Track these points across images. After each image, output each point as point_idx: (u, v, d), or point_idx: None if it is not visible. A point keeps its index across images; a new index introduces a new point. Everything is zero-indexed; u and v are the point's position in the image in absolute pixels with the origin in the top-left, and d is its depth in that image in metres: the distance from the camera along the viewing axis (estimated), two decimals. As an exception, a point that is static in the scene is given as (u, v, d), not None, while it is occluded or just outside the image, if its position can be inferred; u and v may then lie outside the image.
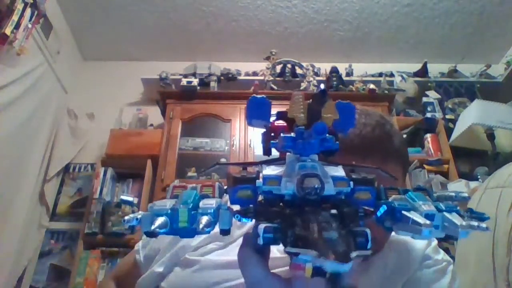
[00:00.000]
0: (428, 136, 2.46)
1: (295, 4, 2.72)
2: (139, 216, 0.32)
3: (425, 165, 2.28)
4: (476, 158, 2.35)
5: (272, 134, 0.35)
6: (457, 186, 2.04)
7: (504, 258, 0.86)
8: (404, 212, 0.31)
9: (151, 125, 2.72)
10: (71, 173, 2.63)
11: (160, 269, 0.66)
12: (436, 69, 3.00)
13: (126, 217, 0.33)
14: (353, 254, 0.26)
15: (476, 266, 0.94)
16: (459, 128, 2.36)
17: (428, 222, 0.29)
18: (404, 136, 2.48)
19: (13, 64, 2.12)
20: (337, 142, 0.33)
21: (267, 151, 0.35)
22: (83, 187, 2.57)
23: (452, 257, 0.71)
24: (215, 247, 0.63)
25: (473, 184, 2.01)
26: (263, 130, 0.36)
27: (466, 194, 0.34)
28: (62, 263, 2.34)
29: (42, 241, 2.39)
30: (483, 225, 0.30)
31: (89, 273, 2.13)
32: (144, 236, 0.80)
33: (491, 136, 2.24)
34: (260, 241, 0.29)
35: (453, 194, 0.34)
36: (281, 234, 0.29)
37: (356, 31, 2.91)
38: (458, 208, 0.32)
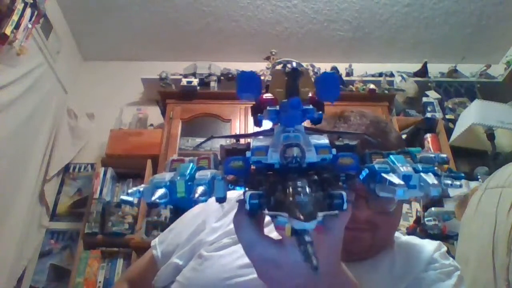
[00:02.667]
0: (428, 136, 2.46)
1: (295, 4, 2.72)
2: (141, 189, 0.35)
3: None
4: (476, 158, 2.35)
5: (261, 107, 0.37)
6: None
7: (504, 257, 0.86)
8: (383, 174, 0.33)
9: (151, 125, 2.72)
10: (71, 173, 2.63)
11: (180, 262, 0.68)
12: (436, 69, 3.00)
13: (129, 190, 0.36)
14: (320, 214, 0.29)
15: (476, 265, 0.94)
16: (459, 128, 2.36)
17: (402, 182, 0.32)
18: (404, 136, 2.48)
19: (13, 64, 2.12)
20: (321, 112, 0.35)
21: (257, 123, 0.37)
22: (83, 187, 2.57)
23: (452, 257, 0.72)
24: (229, 242, 0.64)
25: (473, 184, 2.01)
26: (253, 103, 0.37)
27: (444, 155, 0.38)
28: (62, 263, 2.34)
29: (42, 241, 2.39)
30: (457, 183, 0.34)
31: (89, 273, 2.13)
32: (161, 233, 0.81)
33: (491, 136, 2.24)
34: (247, 206, 0.32)
35: (433, 155, 0.37)
36: (265, 200, 0.32)
37: (356, 31, 2.91)
38: (435, 168, 0.35)
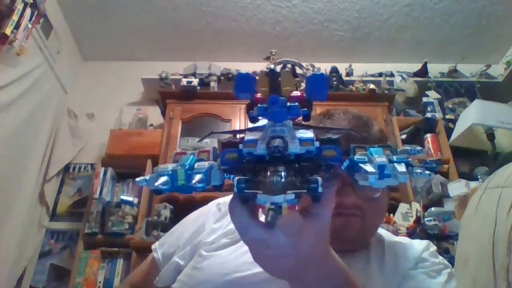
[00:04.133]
0: (428, 136, 2.46)
1: (295, 4, 2.72)
2: (147, 178, 0.39)
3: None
4: (476, 158, 2.35)
5: (255, 105, 0.40)
6: (457, 186, 2.04)
7: (504, 258, 0.86)
8: (360, 164, 0.37)
9: (151, 125, 2.72)
10: (71, 173, 2.63)
11: (181, 261, 0.70)
12: (436, 69, 3.00)
13: (137, 179, 0.40)
14: (289, 192, 0.34)
15: (476, 266, 0.94)
16: (459, 128, 2.36)
17: (374, 171, 0.36)
18: (404, 136, 2.49)
19: (13, 64, 2.12)
20: (306, 109, 0.39)
21: (251, 119, 0.40)
22: (83, 187, 2.56)
23: (452, 257, 0.72)
24: (228, 241, 0.66)
25: (473, 184, 2.01)
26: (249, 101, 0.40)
27: (419, 148, 0.42)
28: (62, 263, 2.34)
29: (42, 241, 2.39)
30: (427, 172, 0.37)
31: (89, 273, 2.13)
32: (161, 233, 0.83)
33: (491, 136, 2.24)
34: (235, 189, 0.36)
35: (409, 148, 0.41)
36: (250, 184, 0.36)
37: (356, 31, 2.91)
38: (409, 159, 0.38)
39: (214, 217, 0.75)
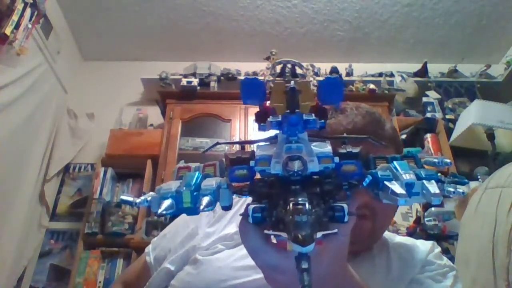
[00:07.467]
0: (428, 136, 2.46)
1: (295, 4, 2.72)
2: (149, 198, 0.36)
3: (425, 165, 2.28)
4: (476, 158, 2.35)
5: (265, 114, 0.37)
6: (457, 186, 2.04)
7: (504, 258, 0.86)
8: (385, 183, 0.34)
9: (151, 125, 2.72)
10: (71, 173, 2.63)
11: (172, 267, 0.68)
12: (436, 69, 3.00)
13: (137, 200, 0.37)
14: (318, 235, 0.29)
15: (476, 266, 0.94)
16: (459, 128, 2.36)
17: (404, 192, 0.32)
18: (404, 136, 2.48)
19: (13, 64, 2.12)
20: (323, 120, 0.35)
21: (261, 129, 0.37)
22: (83, 187, 2.56)
23: (452, 257, 0.72)
24: (224, 248, 0.64)
25: (473, 184, 2.01)
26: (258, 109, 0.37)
27: (448, 160, 0.38)
28: (62, 263, 2.34)
29: (42, 241, 2.39)
30: (460, 190, 0.34)
31: (89, 273, 2.13)
32: (154, 239, 0.82)
33: (491, 136, 2.24)
34: (250, 219, 0.33)
35: (436, 160, 0.38)
36: (267, 213, 0.33)
37: (356, 31, 2.91)
38: (438, 174, 0.35)
39: (207, 220, 0.72)
